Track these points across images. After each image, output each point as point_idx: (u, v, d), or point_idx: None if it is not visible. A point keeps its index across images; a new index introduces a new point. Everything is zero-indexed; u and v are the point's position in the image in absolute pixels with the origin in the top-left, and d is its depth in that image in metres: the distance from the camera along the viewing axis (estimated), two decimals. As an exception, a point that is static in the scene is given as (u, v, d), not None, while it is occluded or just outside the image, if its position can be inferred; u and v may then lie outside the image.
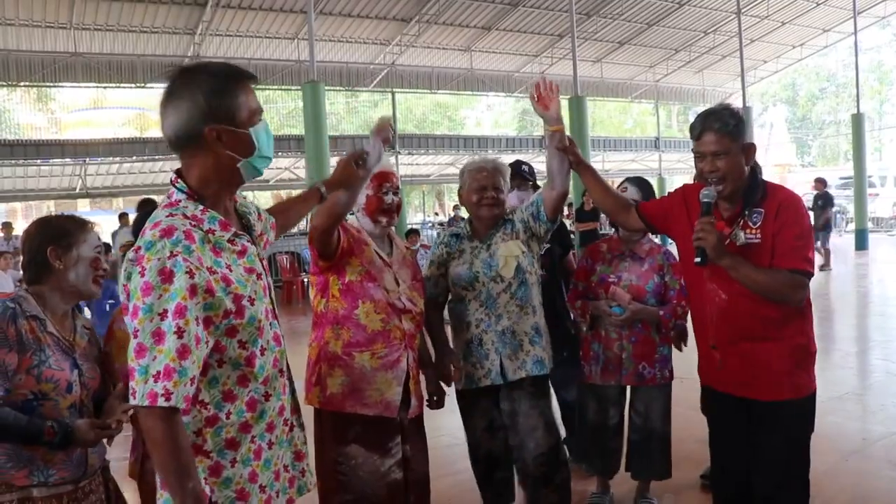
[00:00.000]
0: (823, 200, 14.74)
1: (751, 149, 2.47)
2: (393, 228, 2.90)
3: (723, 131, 2.40)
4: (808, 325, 2.58)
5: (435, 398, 3.04)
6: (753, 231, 2.44)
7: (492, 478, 3.19)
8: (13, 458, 1.96)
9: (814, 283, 2.74)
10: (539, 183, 3.92)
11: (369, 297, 2.63)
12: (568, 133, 2.89)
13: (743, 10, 19.36)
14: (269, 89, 21.31)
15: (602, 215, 14.02)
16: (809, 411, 2.59)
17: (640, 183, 3.67)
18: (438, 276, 3.10)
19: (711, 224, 2.36)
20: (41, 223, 2.21)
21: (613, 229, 3.70)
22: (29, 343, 1.98)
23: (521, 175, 3.88)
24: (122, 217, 13.62)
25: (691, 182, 2.84)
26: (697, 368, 2.77)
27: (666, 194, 3.03)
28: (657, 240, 3.71)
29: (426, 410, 2.93)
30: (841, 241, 19.63)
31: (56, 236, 2.13)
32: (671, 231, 2.74)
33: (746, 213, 2.46)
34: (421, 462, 2.84)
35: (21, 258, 2.20)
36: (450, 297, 3.16)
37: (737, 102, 22.13)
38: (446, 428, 4.57)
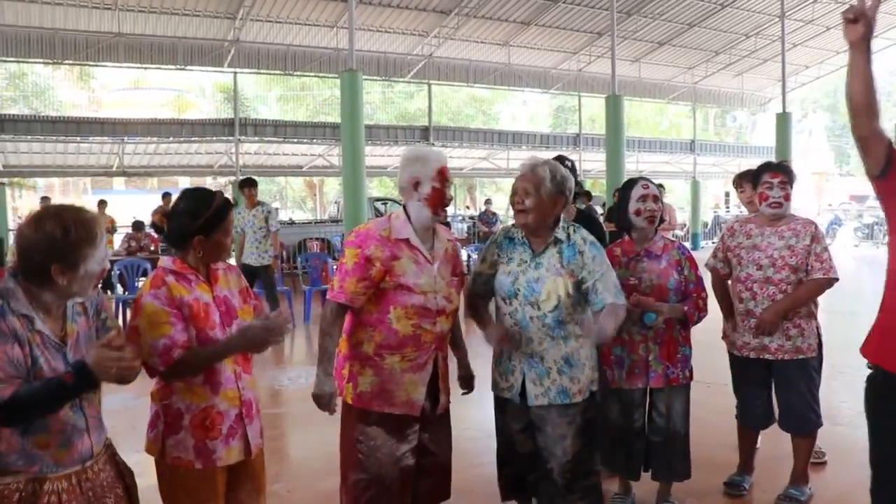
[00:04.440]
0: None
1: None
2: None
3: None
4: None
5: (466, 382, 3.07)
6: None
7: (520, 479, 3.12)
8: (23, 455, 1.87)
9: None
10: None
11: (401, 303, 2.68)
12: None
13: (787, 14, 19.00)
14: (306, 76, 21.48)
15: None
16: None
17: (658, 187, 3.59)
18: (489, 275, 3.03)
19: None
20: (43, 232, 1.89)
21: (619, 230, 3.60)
22: (24, 340, 1.86)
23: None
24: (165, 197, 13.68)
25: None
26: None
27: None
28: (670, 235, 3.65)
29: (453, 402, 2.93)
30: (879, 252, 19.27)
31: (62, 255, 1.89)
32: None
33: None
34: (442, 449, 2.88)
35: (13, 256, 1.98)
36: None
37: (776, 107, 21.81)
38: (472, 420, 4.58)
